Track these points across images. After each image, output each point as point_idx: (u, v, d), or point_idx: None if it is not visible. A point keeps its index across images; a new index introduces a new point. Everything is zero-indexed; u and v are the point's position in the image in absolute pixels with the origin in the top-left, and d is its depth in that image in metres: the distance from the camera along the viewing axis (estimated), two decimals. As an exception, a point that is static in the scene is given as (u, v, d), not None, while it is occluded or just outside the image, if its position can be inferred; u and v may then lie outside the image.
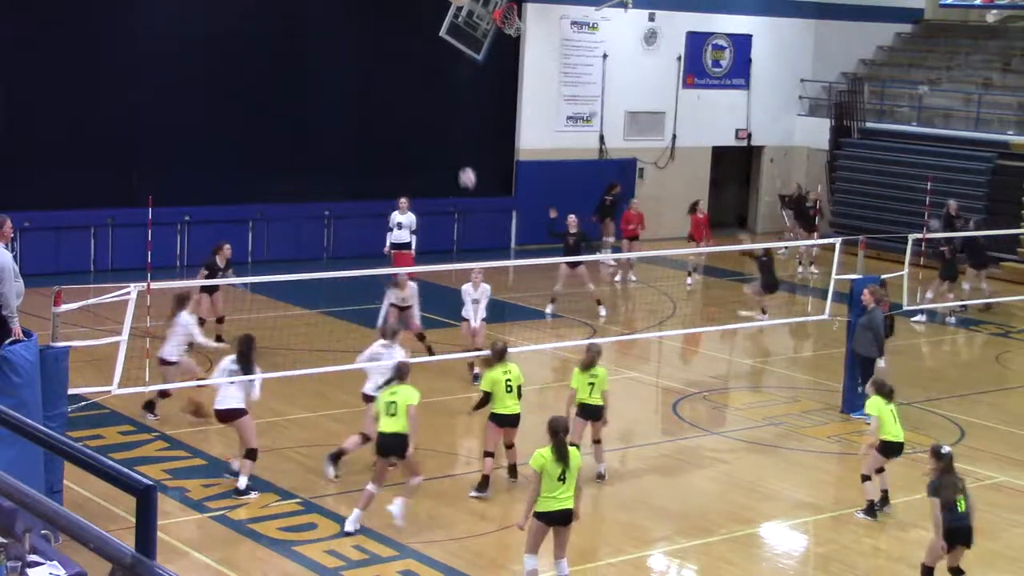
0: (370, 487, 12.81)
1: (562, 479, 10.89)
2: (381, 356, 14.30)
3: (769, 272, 22.43)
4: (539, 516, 11.03)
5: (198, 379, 15.50)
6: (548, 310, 22.66)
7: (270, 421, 16.06)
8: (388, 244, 22.91)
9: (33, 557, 5.71)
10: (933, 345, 23.05)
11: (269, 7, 26.95)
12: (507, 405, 13.86)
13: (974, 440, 16.76)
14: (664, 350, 21.38)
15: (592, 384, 14.27)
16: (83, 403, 14.13)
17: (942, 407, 17.68)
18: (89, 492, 12.39)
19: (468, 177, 24.28)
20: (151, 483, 4.31)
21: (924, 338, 23.16)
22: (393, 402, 12.67)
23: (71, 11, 24.55)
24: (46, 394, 11.59)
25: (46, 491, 10.96)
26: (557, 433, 10.98)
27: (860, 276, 17.83)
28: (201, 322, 18.81)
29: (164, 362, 15.46)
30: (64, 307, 12.45)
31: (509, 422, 13.95)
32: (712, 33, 32.73)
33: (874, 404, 13.85)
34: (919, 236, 20.37)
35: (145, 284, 13.27)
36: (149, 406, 15.85)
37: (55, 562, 5.81)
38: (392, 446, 12.66)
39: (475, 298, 18.19)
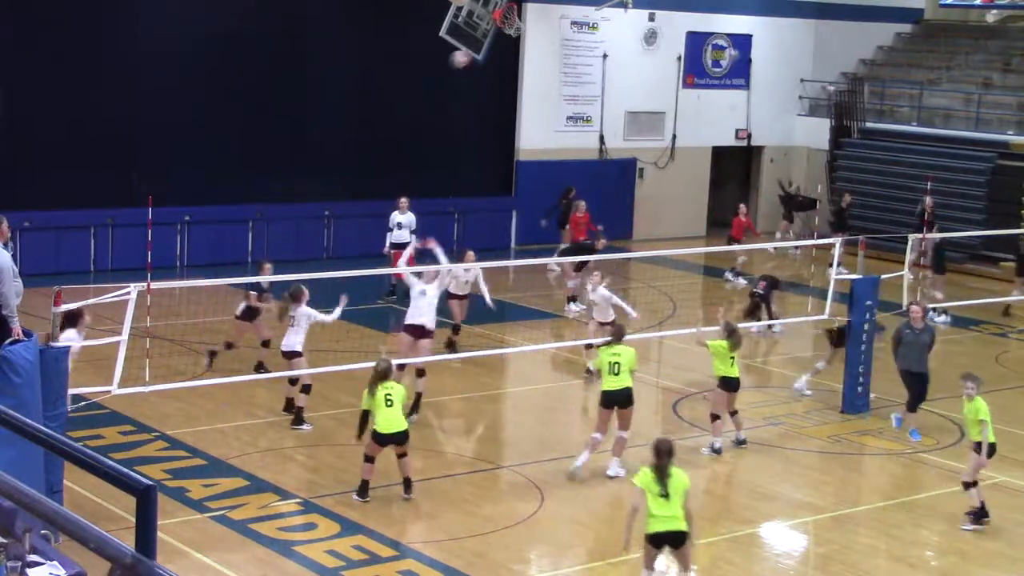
0: (596, 435, 14.65)
1: (664, 495, 10.73)
2: None
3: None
4: (648, 538, 10.89)
5: None
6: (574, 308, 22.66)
7: (270, 421, 16.07)
8: (388, 244, 22.91)
9: (33, 557, 5.71)
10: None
11: (269, 7, 26.95)
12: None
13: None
14: (664, 350, 21.37)
15: (733, 358, 15.72)
16: (83, 403, 14.12)
17: (942, 407, 17.67)
18: (89, 492, 12.39)
19: (460, 59, 23.55)
20: (151, 483, 4.31)
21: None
22: (617, 362, 14.45)
23: (71, 11, 24.55)
24: (46, 394, 11.58)
25: (46, 491, 10.95)
26: (661, 455, 10.83)
27: (860, 276, 17.84)
28: (228, 347, 18.04)
29: None
30: (64, 307, 12.44)
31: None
32: (712, 33, 32.73)
33: (982, 407, 13.71)
34: (919, 236, 20.38)
35: (145, 284, 13.27)
36: None
37: (55, 562, 5.81)
38: (617, 399, 14.51)
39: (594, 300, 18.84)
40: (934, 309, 22.82)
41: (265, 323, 18.11)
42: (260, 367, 17.92)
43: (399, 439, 13.38)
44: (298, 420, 15.82)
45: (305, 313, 15.90)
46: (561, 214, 27.21)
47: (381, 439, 13.30)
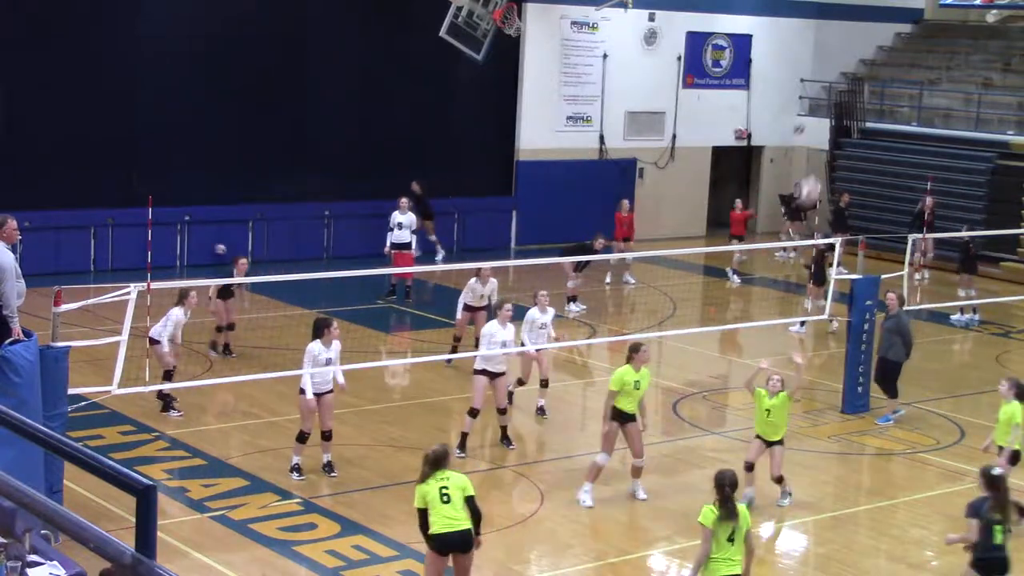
0: (599, 458, 13.72)
1: (731, 540, 9.79)
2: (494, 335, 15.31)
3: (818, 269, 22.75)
4: None
5: None
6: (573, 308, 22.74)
7: (270, 421, 16.07)
8: (388, 244, 22.91)
9: (33, 557, 5.71)
10: (934, 344, 23.03)
11: (269, 7, 26.94)
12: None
13: (974, 440, 16.74)
14: (664, 350, 21.36)
15: (768, 411, 14.30)
16: (83, 403, 14.12)
17: (942, 407, 17.68)
18: (89, 492, 12.39)
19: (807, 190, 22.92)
20: (151, 483, 4.31)
21: (924, 338, 23.13)
22: (638, 382, 13.67)
23: (71, 12, 24.54)
24: (46, 394, 11.59)
25: (46, 491, 10.95)
26: (723, 487, 9.72)
27: (860, 276, 17.84)
28: (219, 329, 18.93)
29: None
30: (64, 307, 12.44)
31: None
32: (712, 33, 32.73)
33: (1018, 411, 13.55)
34: (919, 236, 20.39)
35: (145, 284, 13.26)
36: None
37: (55, 562, 5.81)
38: (626, 417, 13.73)
39: (543, 322, 16.86)
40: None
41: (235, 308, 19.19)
42: (226, 349, 18.86)
43: (464, 543, 10.44)
44: (167, 407, 16.20)
45: (170, 314, 16.16)
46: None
47: (440, 543, 10.36)
